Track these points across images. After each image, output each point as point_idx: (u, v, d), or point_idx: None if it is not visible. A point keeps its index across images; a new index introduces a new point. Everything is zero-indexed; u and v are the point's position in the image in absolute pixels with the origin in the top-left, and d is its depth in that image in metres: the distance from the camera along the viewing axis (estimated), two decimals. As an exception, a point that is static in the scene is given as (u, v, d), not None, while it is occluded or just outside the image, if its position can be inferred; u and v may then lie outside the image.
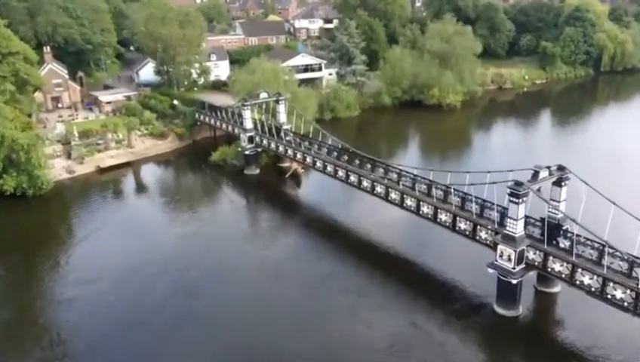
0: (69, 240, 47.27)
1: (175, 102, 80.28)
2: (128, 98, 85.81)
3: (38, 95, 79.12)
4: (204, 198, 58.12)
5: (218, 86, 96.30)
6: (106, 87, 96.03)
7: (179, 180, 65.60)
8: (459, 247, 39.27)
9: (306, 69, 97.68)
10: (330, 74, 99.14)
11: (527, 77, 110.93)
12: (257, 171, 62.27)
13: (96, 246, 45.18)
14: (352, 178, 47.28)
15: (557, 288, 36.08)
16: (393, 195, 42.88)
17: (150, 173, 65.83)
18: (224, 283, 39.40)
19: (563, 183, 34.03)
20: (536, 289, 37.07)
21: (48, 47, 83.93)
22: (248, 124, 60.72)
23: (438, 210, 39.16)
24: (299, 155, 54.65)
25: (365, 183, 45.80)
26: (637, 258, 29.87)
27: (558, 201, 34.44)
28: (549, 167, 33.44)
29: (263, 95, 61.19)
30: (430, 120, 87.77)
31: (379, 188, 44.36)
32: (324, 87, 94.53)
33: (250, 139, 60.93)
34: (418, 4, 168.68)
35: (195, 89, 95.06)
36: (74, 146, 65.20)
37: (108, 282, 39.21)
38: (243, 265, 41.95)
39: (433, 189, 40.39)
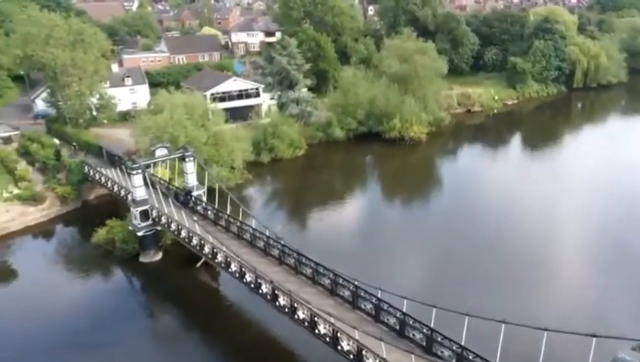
0: None
1: (57, 142, 61.08)
2: (6, 139, 66.47)
3: None
4: (69, 309, 38.17)
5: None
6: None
7: (36, 274, 43.54)
8: None
9: (240, 94, 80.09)
10: (273, 98, 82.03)
11: (496, 97, 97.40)
12: (159, 257, 44.35)
13: None
14: (282, 300, 30.22)
15: None
16: (346, 345, 26.19)
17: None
18: None
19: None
20: None
21: None
22: (139, 193, 42.29)
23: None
24: (207, 248, 36.93)
25: (301, 314, 28.88)
26: None
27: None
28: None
29: (161, 151, 43.42)
30: (392, 158, 71.78)
31: (322, 328, 27.56)
32: (264, 117, 77.56)
33: (145, 215, 42.87)
34: (371, 12, 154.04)
35: (106, 121, 76.23)
36: None
37: None
38: None
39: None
